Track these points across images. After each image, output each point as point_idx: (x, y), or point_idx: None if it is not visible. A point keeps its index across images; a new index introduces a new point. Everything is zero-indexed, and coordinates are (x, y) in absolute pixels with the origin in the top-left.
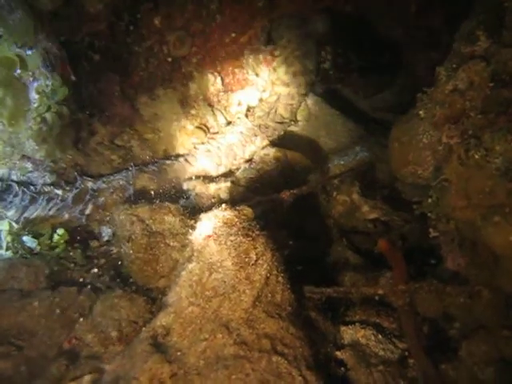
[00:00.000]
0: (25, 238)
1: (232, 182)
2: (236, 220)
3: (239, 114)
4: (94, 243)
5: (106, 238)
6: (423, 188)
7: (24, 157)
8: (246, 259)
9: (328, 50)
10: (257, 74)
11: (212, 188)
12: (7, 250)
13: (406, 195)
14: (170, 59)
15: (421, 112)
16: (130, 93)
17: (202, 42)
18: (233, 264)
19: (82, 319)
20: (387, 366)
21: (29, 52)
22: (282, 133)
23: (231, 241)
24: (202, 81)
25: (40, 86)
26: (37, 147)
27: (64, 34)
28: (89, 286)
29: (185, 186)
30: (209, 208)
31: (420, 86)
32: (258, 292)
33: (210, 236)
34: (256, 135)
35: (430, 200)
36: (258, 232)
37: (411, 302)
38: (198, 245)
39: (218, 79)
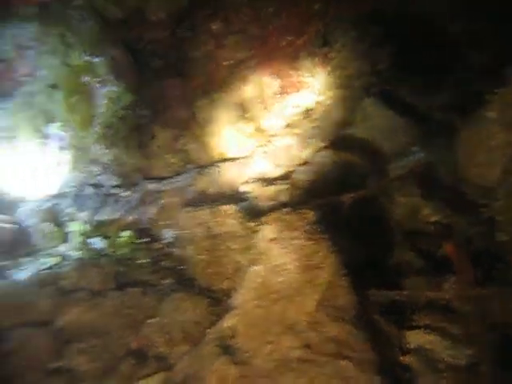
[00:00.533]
0: (94, 239)
1: (290, 184)
2: (299, 223)
3: (295, 117)
4: (156, 245)
5: (168, 240)
6: (490, 190)
7: (93, 160)
8: (310, 262)
9: (384, 51)
10: (312, 77)
11: (270, 190)
12: (77, 250)
13: (472, 197)
14: (227, 63)
15: (491, 113)
16: (189, 97)
17: (259, 46)
18: (296, 267)
19: (148, 320)
20: (455, 372)
21: (96, 59)
22: (339, 135)
23: (294, 244)
24: (258, 84)
25: (107, 93)
26: (105, 151)
27: (129, 42)
28: (154, 288)
29: (243, 189)
30: (268, 210)
31: (479, 87)
32: (321, 295)
33: (273, 239)
34: (313, 137)
35: (498, 203)
36: (320, 235)
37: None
38: (262, 248)
39: (275, 82)
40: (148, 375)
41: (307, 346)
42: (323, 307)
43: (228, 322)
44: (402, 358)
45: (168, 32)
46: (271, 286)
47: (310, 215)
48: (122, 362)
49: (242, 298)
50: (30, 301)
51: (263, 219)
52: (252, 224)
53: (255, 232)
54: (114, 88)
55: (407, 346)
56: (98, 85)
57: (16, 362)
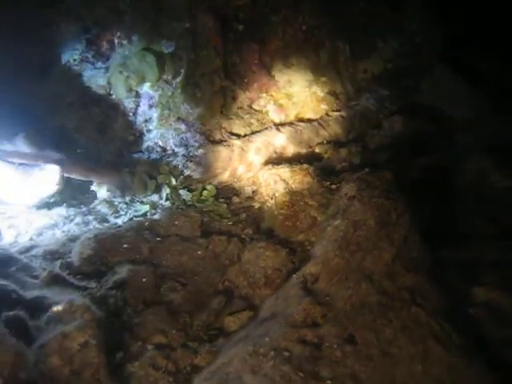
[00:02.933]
0: (181, 192)
1: (361, 147)
2: (378, 183)
3: (365, 82)
4: (237, 199)
5: (246, 195)
6: None
7: (179, 119)
8: (387, 219)
9: (457, 16)
10: (384, 43)
11: (343, 152)
12: (166, 200)
13: None
14: (304, 28)
15: None
16: (267, 61)
17: (333, 12)
18: (375, 223)
19: (232, 265)
20: None
21: (187, 25)
22: (409, 101)
23: (374, 202)
24: (332, 49)
25: (196, 57)
26: (190, 110)
27: (216, 9)
28: (236, 237)
29: (317, 150)
30: (342, 171)
31: None
32: (397, 249)
33: (354, 196)
34: (384, 102)
35: None
36: (398, 194)
37: None
38: (344, 204)
39: (347, 47)
40: (236, 311)
41: (384, 293)
42: (399, 259)
43: (311, 269)
44: (470, 309)
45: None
46: (351, 238)
47: (390, 176)
48: (211, 299)
49: (324, 248)
50: (132, 242)
51: (342, 178)
52: (327, 183)
53: (331, 190)
54: (204, 52)
55: (475, 299)
56: (186, 49)
57: (128, 291)
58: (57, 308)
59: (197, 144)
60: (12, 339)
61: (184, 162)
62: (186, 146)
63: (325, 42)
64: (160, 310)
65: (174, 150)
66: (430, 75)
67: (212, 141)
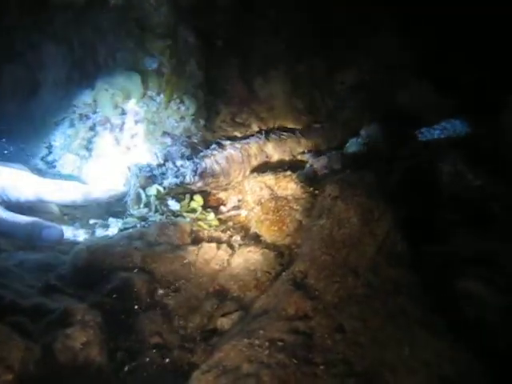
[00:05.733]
0: (170, 203)
1: (341, 154)
2: (360, 183)
3: (344, 92)
4: (223, 208)
5: (232, 205)
6: None
7: (165, 133)
8: (370, 216)
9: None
10: (362, 57)
11: (324, 160)
12: (156, 211)
13: None
14: (283, 46)
15: None
16: (247, 75)
17: (313, 31)
18: (358, 220)
19: (222, 270)
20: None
21: (170, 42)
22: (387, 109)
23: (356, 201)
24: (309, 63)
25: (180, 72)
26: (176, 124)
27: (198, 26)
28: (224, 243)
29: (300, 158)
30: (324, 177)
31: None
32: (380, 244)
33: (337, 196)
34: (363, 112)
35: None
36: (379, 193)
37: None
38: (327, 204)
39: (324, 62)
40: (228, 312)
41: (369, 285)
42: (382, 254)
43: (300, 266)
44: (452, 299)
45: (231, 16)
46: (336, 236)
47: (372, 176)
48: (204, 302)
49: (311, 247)
50: (124, 251)
51: (325, 180)
52: (310, 188)
53: (314, 195)
54: (186, 68)
55: (456, 290)
56: (170, 65)
57: (122, 298)
58: (57, 311)
59: (181, 156)
60: (19, 337)
61: (170, 173)
62: (172, 158)
63: (303, 57)
64: (155, 314)
65: (161, 163)
66: (406, 88)
67: (197, 153)
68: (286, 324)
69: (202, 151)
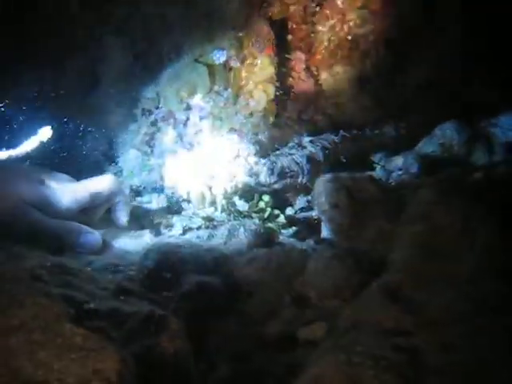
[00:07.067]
0: (237, 202)
1: (415, 154)
2: (457, 189)
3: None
4: (290, 210)
5: (300, 206)
6: None
7: (231, 129)
8: (469, 224)
9: None
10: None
11: (398, 162)
12: (222, 211)
13: None
14: (349, 37)
15: None
16: (313, 70)
17: (380, 21)
18: (457, 228)
19: (299, 275)
20: None
21: (240, 34)
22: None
23: (456, 207)
24: (376, 58)
25: (250, 66)
26: (244, 121)
27: (270, 17)
28: (298, 248)
29: (371, 158)
30: (403, 179)
31: None
32: (480, 256)
33: (436, 202)
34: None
35: None
36: (477, 200)
37: None
38: (423, 209)
39: (390, 57)
40: (308, 322)
41: (471, 300)
42: (483, 265)
43: (392, 276)
44: None
45: (301, 7)
46: (433, 244)
47: (466, 182)
48: (281, 309)
49: (404, 255)
50: (195, 253)
51: (424, 182)
52: (389, 191)
53: (394, 198)
54: (257, 61)
55: None
56: (239, 59)
57: (197, 301)
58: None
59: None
60: (112, 346)
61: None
62: (239, 156)
63: (370, 51)
64: (231, 319)
65: (229, 161)
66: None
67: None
68: (385, 340)
69: (277, 149)
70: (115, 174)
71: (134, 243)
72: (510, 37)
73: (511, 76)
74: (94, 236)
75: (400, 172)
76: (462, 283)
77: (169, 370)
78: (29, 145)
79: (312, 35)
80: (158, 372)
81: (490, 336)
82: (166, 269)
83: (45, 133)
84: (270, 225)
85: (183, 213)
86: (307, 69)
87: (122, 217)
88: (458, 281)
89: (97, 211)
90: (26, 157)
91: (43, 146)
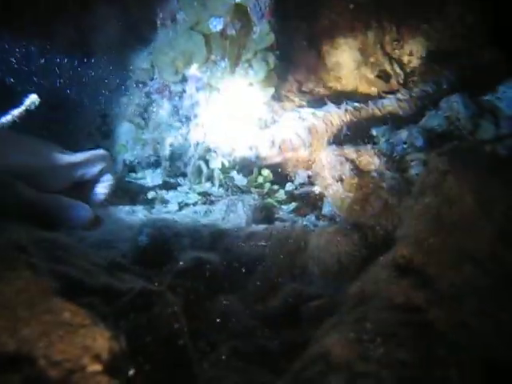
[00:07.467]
0: (235, 177)
1: (422, 128)
2: (472, 157)
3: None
4: (290, 185)
5: (300, 180)
6: None
7: (230, 101)
8: (485, 195)
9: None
10: (429, 23)
11: (403, 135)
12: (220, 186)
13: None
14: (351, 6)
15: None
16: (315, 41)
17: None
18: (472, 199)
19: (301, 251)
20: None
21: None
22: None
23: (470, 176)
24: (378, 29)
25: (249, 32)
26: (243, 91)
27: None
28: (298, 223)
29: (374, 132)
30: (405, 152)
31: None
32: (499, 227)
33: (447, 171)
34: (440, 83)
35: None
36: (495, 171)
37: None
38: (434, 180)
39: (394, 28)
40: (312, 298)
41: (491, 276)
42: (502, 239)
43: (402, 250)
44: None
45: None
46: (446, 217)
47: (480, 151)
48: (283, 286)
49: (414, 228)
50: (192, 228)
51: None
52: (394, 164)
53: (399, 171)
54: (256, 28)
55: None
56: (237, 26)
57: (195, 278)
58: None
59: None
60: (103, 322)
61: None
62: (238, 128)
63: (371, 22)
64: (232, 297)
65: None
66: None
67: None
68: (395, 316)
69: (276, 121)
70: (107, 149)
71: (127, 219)
72: None
73: None
74: (85, 210)
75: (405, 146)
76: (481, 257)
77: (164, 348)
78: (16, 113)
79: (313, 4)
80: (152, 350)
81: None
82: (162, 244)
83: (32, 100)
84: (269, 200)
85: (179, 188)
86: (308, 40)
87: (101, 193)
88: (475, 254)
89: (87, 186)
90: (14, 125)
91: (31, 117)
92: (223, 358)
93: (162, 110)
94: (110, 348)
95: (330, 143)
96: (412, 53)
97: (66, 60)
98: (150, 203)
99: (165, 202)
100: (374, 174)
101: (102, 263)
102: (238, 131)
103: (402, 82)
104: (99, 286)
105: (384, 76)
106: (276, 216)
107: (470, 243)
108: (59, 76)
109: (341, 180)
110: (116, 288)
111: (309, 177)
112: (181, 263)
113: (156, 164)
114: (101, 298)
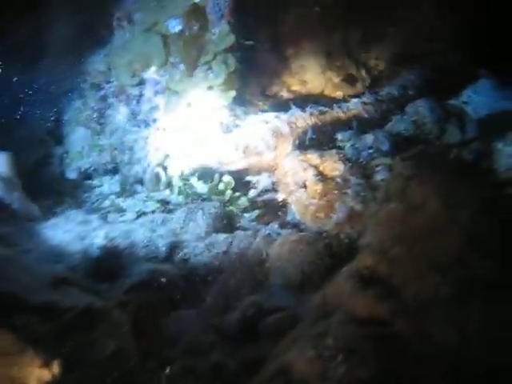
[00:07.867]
0: (195, 183)
1: (387, 132)
2: (436, 163)
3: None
4: (255, 191)
5: (263, 187)
6: None
7: (190, 105)
8: (450, 200)
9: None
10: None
11: (368, 140)
12: (179, 194)
13: None
14: (317, 8)
15: None
16: (279, 44)
17: None
18: (437, 204)
19: (263, 262)
20: None
21: (198, 0)
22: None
23: (435, 182)
24: (343, 33)
25: (209, 35)
26: (202, 95)
27: None
28: (261, 231)
29: (340, 136)
30: (371, 157)
31: None
32: (466, 232)
33: (411, 177)
34: (406, 87)
35: None
36: (458, 174)
37: None
38: (399, 186)
39: (359, 32)
40: (274, 311)
41: (458, 282)
42: (469, 244)
43: (366, 260)
44: None
45: None
46: (411, 223)
47: (448, 154)
48: (243, 298)
49: (379, 236)
50: (147, 239)
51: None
52: (359, 169)
53: (364, 177)
54: (215, 29)
55: None
56: (196, 27)
57: (148, 292)
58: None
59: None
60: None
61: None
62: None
63: (337, 25)
64: (187, 312)
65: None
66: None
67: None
68: (358, 330)
69: (238, 125)
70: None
71: (79, 230)
72: None
73: None
74: None
75: (370, 150)
76: (447, 263)
77: (109, 370)
78: None
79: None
80: (95, 373)
81: (479, 322)
82: (114, 257)
83: None
84: (231, 208)
85: (137, 196)
86: (272, 42)
87: (32, 207)
88: (441, 261)
89: None
90: None
91: None
92: (174, 376)
93: (119, 114)
94: (39, 378)
95: (295, 147)
96: (378, 56)
97: (14, 62)
98: (105, 212)
99: (121, 210)
100: (339, 179)
101: (47, 278)
102: (199, 136)
103: (368, 85)
104: (39, 303)
105: (350, 80)
106: (238, 225)
107: (436, 249)
108: (6, 80)
109: (304, 186)
110: (58, 305)
111: (273, 183)
112: (134, 277)
113: (114, 171)
114: (39, 317)
